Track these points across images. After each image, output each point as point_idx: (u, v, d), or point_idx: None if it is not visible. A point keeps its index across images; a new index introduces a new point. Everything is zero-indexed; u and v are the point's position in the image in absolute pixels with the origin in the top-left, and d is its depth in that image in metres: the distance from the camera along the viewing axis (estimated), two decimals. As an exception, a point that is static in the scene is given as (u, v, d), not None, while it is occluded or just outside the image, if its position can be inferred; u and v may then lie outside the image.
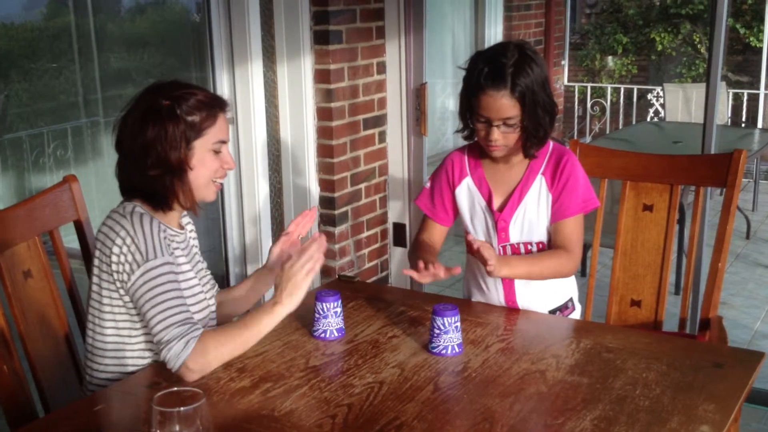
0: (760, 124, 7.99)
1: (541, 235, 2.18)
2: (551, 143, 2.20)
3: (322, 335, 1.96)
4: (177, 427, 1.26)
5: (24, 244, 2.02)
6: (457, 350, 1.86)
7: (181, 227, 1.98)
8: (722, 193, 2.37)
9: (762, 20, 8.26)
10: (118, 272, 1.79)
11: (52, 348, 2.04)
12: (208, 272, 2.06)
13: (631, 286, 2.46)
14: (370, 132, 3.74)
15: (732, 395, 1.65)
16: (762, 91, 8.10)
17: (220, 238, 3.63)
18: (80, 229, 2.18)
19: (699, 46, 8.95)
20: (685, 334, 2.50)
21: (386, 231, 3.94)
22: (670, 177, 2.41)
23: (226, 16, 3.39)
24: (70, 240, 2.21)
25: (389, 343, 1.94)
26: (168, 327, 1.72)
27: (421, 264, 1.97)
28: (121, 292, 1.81)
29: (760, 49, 8.22)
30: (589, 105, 8.44)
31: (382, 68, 3.73)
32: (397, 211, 3.92)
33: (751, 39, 8.49)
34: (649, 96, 8.52)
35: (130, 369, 1.87)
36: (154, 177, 1.83)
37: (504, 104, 2.02)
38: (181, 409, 1.27)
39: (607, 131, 8.14)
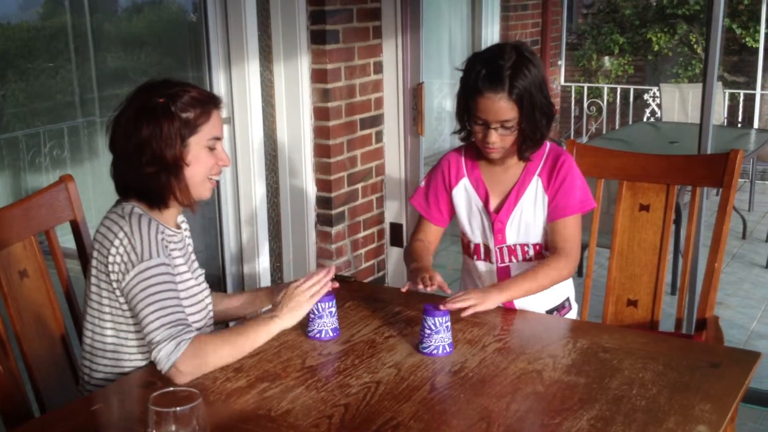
0: (756, 125, 8.00)
1: (537, 236, 2.18)
2: (548, 144, 2.20)
3: (317, 335, 1.96)
4: (173, 427, 1.26)
5: (20, 244, 2.01)
6: (447, 350, 1.86)
7: (178, 227, 1.98)
8: (719, 193, 2.37)
9: (758, 21, 8.27)
10: (114, 272, 1.78)
11: (48, 348, 2.04)
12: (203, 272, 2.06)
13: (628, 286, 2.46)
14: (366, 132, 3.74)
15: (728, 395, 1.65)
16: (758, 92, 8.11)
17: (216, 238, 3.62)
18: (76, 229, 2.18)
19: (695, 46, 8.97)
20: (682, 334, 2.51)
21: (383, 231, 3.94)
22: (666, 177, 2.41)
23: (222, 15, 3.39)
24: (66, 240, 2.21)
25: (386, 343, 1.94)
26: (159, 328, 1.72)
27: (420, 286, 2.02)
28: (117, 293, 1.81)
29: (756, 50, 8.23)
30: (585, 105, 8.45)
31: (379, 68, 3.73)
32: (393, 211, 3.92)
33: (748, 39, 8.50)
34: (646, 96, 8.53)
35: (127, 370, 1.87)
36: (149, 175, 1.83)
37: (501, 107, 2.02)
38: (178, 409, 1.26)
39: (604, 131, 8.14)
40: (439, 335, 1.85)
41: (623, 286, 2.46)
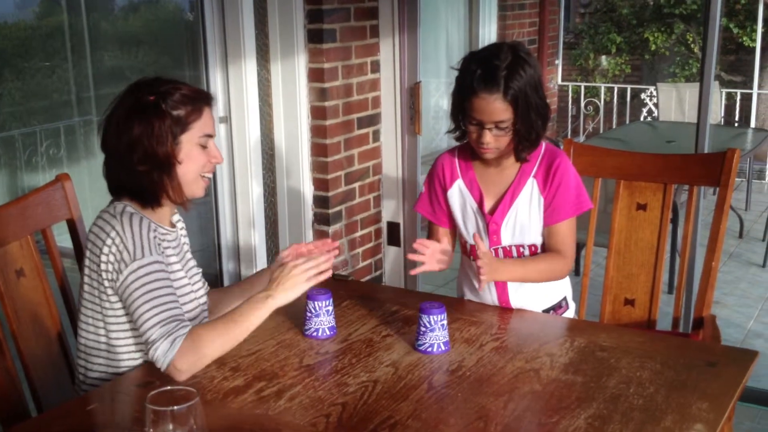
0: (753, 124, 8.01)
1: (533, 237, 2.18)
2: (544, 144, 2.19)
3: (314, 334, 1.96)
4: (170, 426, 1.26)
5: (16, 243, 2.01)
6: (443, 348, 1.86)
7: (173, 225, 1.97)
8: (715, 192, 2.37)
9: (755, 20, 8.28)
10: (107, 272, 1.78)
11: (45, 347, 2.03)
12: (199, 270, 2.06)
13: (625, 285, 2.46)
14: (364, 131, 3.73)
15: (725, 394, 1.65)
16: (755, 91, 8.12)
17: (213, 238, 3.62)
18: (73, 227, 2.18)
19: (692, 45, 8.97)
20: (679, 332, 2.51)
21: (380, 230, 3.94)
22: (663, 176, 2.41)
23: (219, 14, 3.38)
24: (62, 239, 2.20)
25: (383, 342, 1.94)
26: (154, 326, 1.72)
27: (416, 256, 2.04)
28: (110, 292, 1.81)
29: (753, 49, 8.24)
30: (582, 104, 8.45)
31: (376, 67, 3.73)
32: (391, 210, 3.91)
33: (744, 39, 8.51)
34: (643, 95, 8.53)
35: (123, 369, 1.86)
36: (141, 173, 1.82)
37: (497, 107, 2.01)
38: (175, 408, 1.26)
39: (601, 130, 8.14)
40: (434, 333, 1.85)
41: (620, 285, 2.46)
